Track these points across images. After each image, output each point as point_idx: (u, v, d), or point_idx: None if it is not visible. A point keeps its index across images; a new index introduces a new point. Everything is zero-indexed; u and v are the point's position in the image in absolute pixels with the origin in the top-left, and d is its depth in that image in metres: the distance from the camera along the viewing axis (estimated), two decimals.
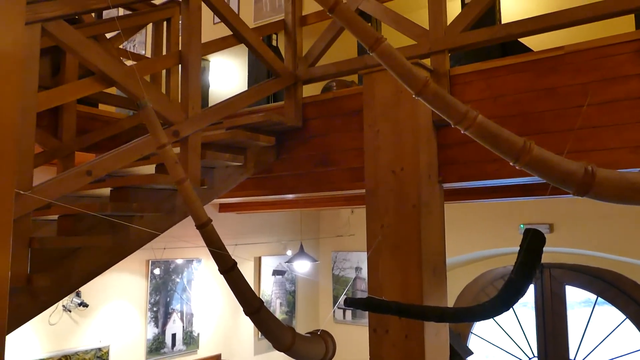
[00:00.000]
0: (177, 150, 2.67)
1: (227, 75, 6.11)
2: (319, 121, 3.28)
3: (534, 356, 6.15)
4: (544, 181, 1.52)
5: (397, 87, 2.68)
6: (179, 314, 5.50)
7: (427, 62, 2.83)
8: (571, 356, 5.90)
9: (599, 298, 5.87)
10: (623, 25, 2.92)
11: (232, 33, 3.09)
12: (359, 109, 2.97)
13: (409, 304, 2.36)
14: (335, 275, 7.05)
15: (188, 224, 2.25)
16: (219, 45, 3.10)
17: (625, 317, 5.70)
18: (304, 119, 3.33)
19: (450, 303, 6.28)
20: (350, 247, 6.87)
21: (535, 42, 3.16)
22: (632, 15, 3.09)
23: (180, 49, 2.86)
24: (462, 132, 1.47)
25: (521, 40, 3.24)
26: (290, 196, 3.90)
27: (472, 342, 6.59)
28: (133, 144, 2.49)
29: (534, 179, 2.15)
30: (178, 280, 5.52)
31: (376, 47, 1.51)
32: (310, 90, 3.68)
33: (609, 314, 5.81)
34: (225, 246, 2.03)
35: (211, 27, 5.07)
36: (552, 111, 2.53)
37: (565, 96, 2.50)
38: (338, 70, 3.26)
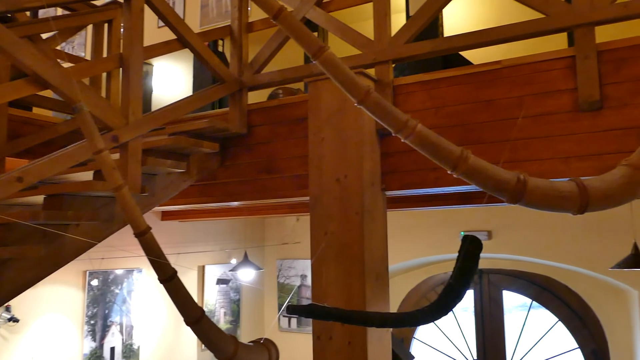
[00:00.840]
0: (116, 156, 2.59)
1: (171, 80, 5.99)
2: (264, 128, 3.27)
3: (474, 359, 6.34)
4: (481, 189, 1.58)
5: (342, 95, 2.71)
6: (118, 327, 5.30)
7: (371, 72, 2.88)
8: (508, 358, 6.12)
9: (534, 302, 6.14)
10: (557, 42, 3.08)
11: (176, 37, 3.04)
12: (304, 117, 2.98)
13: (351, 310, 2.38)
14: (280, 283, 7.01)
15: (127, 232, 2.18)
16: (162, 49, 3.04)
17: (557, 319, 5.98)
18: (249, 126, 3.31)
19: (394, 309, 6.38)
20: (295, 254, 6.85)
21: (476, 56, 3.28)
22: (566, 33, 3.27)
23: (121, 51, 2.78)
24: (402, 140, 1.50)
25: (462, 53, 3.36)
26: (234, 203, 3.85)
27: (415, 347, 6.72)
28: (68, 149, 2.39)
29: (472, 188, 2.22)
30: (117, 291, 5.33)
31: (319, 55, 1.52)
32: (256, 97, 3.67)
33: (543, 317, 6.07)
34: (168, 255, 1.98)
35: (155, 31, 4.96)
36: (489, 122, 2.63)
37: (502, 108, 2.60)
38: (283, 77, 3.26)
